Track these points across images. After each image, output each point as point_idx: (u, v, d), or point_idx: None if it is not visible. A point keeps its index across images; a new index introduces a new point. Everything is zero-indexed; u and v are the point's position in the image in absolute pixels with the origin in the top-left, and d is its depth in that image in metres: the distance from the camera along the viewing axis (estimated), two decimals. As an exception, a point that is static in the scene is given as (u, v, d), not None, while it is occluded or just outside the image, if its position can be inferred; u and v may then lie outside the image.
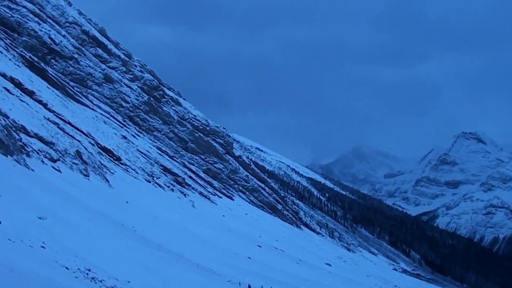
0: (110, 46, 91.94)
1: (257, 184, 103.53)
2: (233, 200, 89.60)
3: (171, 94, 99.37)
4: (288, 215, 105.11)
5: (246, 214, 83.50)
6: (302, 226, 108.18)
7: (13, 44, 68.17)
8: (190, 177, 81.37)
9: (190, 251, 35.22)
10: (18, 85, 52.19)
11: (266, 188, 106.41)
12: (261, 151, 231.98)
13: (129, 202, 45.79)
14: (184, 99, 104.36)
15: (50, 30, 79.73)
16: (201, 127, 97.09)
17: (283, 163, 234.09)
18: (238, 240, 55.61)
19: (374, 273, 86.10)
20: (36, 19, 78.04)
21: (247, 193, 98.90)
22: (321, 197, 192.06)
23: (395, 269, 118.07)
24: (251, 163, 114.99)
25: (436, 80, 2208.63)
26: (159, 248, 31.52)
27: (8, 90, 46.95)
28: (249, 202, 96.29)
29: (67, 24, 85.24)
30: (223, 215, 71.79)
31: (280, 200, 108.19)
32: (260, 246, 57.62)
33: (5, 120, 35.52)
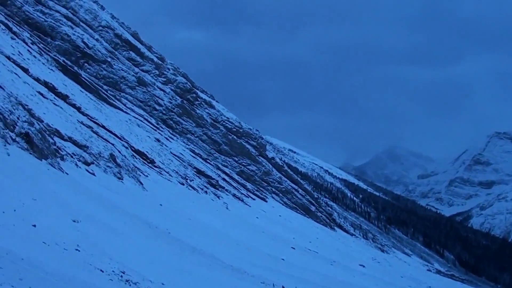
0: (143, 49, 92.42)
1: (290, 185, 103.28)
2: (266, 202, 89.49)
3: (204, 96, 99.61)
4: (321, 216, 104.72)
5: (280, 215, 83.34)
6: (335, 228, 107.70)
7: (47, 48, 68.92)
8: (224, 179, 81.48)
9: (223, 252, 35.17)
10: (52, 89, 52.68)
11: (299, 189, 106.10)
12: (294, 152, 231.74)
13: (163, 204, 45.90)
14: (217, 101, 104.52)
15: (83, 34, 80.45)
16: (234, 130, 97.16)
17: (316, 164, 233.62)
18: (272, 242, 55.48)
19: (408, 274, 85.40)
20: (69, 23, 78.82)
21: (280, 195, 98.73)
22: (354, 198, 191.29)
23: (429, 270, 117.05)
24: (284, 165, 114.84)
25: (470, 80, 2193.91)
26: (193, 250, 31.50)
27: (42, 94, 47.38)
28: (282, 204, 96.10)
29: (100, 28, 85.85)
30: (257, 217, 71.72)
31: (313, 202, 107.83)
32: (293, 248, 57.42)
33: (39, 124, 35.80)
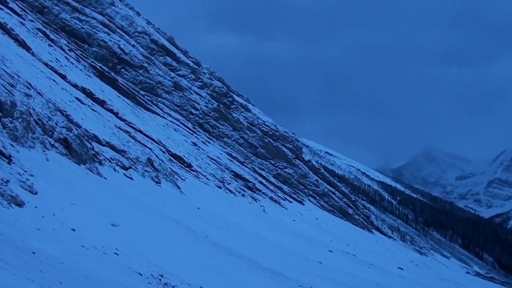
0: (179, 54, 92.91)
1: (327, 188, 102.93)
2: (303, 204, 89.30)
3: (240, 100, 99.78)
4: (359, 219, 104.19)
5: (317, 218, 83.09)
6: (373, 230, 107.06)
7: (84, 54, 69.70)
8: (261, 182, 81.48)
9: (261, 255, 35.16)
10: (89, 95, 53.24)
11: (336, 192, 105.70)
12: (331, 155, 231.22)
13: (200, 208, 46.03)
14: (253, 105, 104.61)
15: (119, 40, 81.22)
16: (270, 133, 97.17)
17: (353, 167, 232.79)
18: (309, 245, 55.33)
19: (447, 276, 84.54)
20: (105, 29, 79.67)
21: (317, 197, 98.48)
22: (392, 200, 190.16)
23: (468, 273, 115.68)
24: (321, 168, 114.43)
25: (505, 80, 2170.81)
26: (230, 253, 31.53)
27: (80, 100, 47.88)
28: (319, 207, 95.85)
29: (136, 33, 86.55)
30: (294, 220, 71.57)
31: (351, 204, 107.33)
32: (331, 251, 57.19)
33: (77, 130, 36.16)
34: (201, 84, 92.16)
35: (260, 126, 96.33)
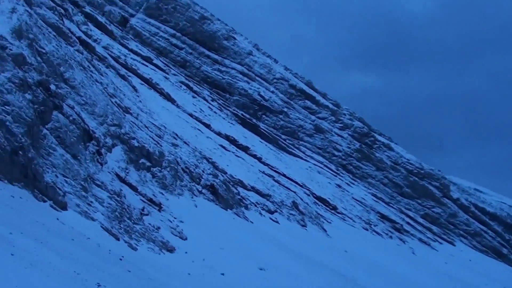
0: (318, 97, 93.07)
1: (479, 227, 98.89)
2: (454, 245, 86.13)
3: (382, 139, 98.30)
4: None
5: (470, 260, 79.74)
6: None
7: (226, 103, 71.71)
8: (408, 223, 79.52)
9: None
10: (233, 141, 54.37)
11: (488, 231, 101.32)
12: (480, 192, 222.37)
13: (348, 251, 45.34)
14: (395, 143, 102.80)
15: (259, 88, 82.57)
16: (415, 171, 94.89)
17: (504, 203, 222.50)
18: (463, 288, 53.10)
19: None
20: (245, 78, 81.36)
21: (468, 237, 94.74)
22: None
23: None
24: (471, 205, 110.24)
25: None
26: (381, 297, 30.71)
27: (224, 147, 48.93)
28: (471, 247, 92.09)
29: (275, 80, 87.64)
30: (445, 262, 69.08)
31: (505, 244, 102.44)
32: (487, 294, 54.60)
33: (223, 176, 36.81)
34: (341, 125, 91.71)
35: (404, 165, 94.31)
